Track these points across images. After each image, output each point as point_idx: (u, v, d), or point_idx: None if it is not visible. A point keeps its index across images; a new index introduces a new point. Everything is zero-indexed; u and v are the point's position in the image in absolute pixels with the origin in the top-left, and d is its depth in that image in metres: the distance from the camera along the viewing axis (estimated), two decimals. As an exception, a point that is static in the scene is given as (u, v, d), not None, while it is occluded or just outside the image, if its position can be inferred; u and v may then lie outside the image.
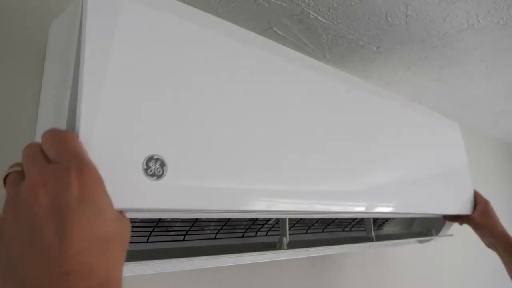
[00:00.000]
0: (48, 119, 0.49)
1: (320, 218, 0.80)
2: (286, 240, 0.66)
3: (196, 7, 0.61)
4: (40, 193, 0.27)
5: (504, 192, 2.07)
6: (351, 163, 0.63)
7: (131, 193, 0.33)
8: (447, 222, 1.02)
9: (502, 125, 1.78)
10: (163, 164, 0.39)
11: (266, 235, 0.72)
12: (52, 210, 0.27)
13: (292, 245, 0.68)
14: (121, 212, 0.32)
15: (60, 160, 0.30)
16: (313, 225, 0.81)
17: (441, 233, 1.04)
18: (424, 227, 1.08)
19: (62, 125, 0.41)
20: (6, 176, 0.31)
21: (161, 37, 0.43)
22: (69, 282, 0.25)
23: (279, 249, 0.66)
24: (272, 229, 0.72)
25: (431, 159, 0.86)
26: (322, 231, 0.86)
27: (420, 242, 1.09)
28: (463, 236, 1.52)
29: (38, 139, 0.53)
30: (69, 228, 0.26)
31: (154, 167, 0.38)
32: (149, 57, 0.42)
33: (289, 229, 0.69)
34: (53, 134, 0.32)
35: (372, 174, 0.67)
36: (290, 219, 0.71)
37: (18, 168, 0.31)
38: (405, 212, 0.77)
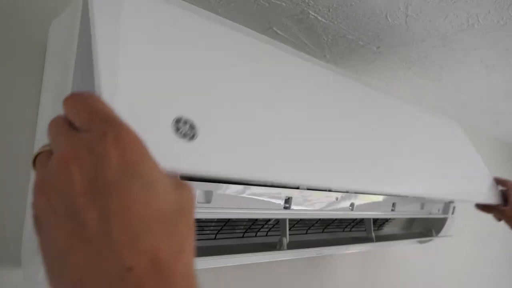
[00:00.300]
0: (48, 119, 0.49)
1: (320, 219, 0.80)
2: (286, 240, 0.66)
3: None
4: (73, 170, 0.21)
5: (504, 192, 2.06)
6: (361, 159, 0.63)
7: (164, 155, 0.28)
8: (447, 223, 1.02)
9: (502, 125, 1.78)
10: (192, 127, 0.38)
11: (266, 235, 0.72)
12: (90, 190, 0.21)
13: (292, 246, 0.68)
14: (176, 177, 0.26)
15: (90, 127, 0.24)
16: (313, 225, 0.81)
17: (441, 233, 1.04)
18: (424, 227, 1.08)
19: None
20: (36, 158, 0.26)
21: (172, 17, 0.43)
22: (135, 278, 0.20)
23: (279, 249, 0.66)
24: (272, 229, 0.72)
25: (442, 155, 0.87)
26: (322, 231, 0.85)
27: (420, 242, 1.09)
28: (463, 236, 1.51)
29: (38, 139, 0.53)
30: (115, 210, 0.21)
31: (184, 128, 0.37)
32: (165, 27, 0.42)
33: (289, 230, 0.69)
34: (75, 99, 0.26)
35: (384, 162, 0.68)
36: (290, 220, 0.71)
37: (48, 148, 0.26)
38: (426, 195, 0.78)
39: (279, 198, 0.60)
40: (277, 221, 0.70)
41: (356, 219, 0.88)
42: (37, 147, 0.52)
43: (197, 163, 0.38)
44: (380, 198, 0.81)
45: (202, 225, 0.63)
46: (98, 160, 0.22)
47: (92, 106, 0.25)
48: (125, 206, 0.21)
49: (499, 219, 1.02)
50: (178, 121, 0.37)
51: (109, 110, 0.26)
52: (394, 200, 0.84)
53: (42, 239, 0.23)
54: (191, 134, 0.37)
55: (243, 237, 0.69)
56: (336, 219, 0.84)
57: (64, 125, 0.25)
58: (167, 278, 0.21)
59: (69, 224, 0.21)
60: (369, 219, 0.88)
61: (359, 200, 0.75)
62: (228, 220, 0.64)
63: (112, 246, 0.20)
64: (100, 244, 0.20)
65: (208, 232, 0.64)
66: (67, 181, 0.21)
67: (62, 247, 0.21)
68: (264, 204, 0.56)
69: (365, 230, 0.90)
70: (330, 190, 0.70)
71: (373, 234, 0.87)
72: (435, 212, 0.98)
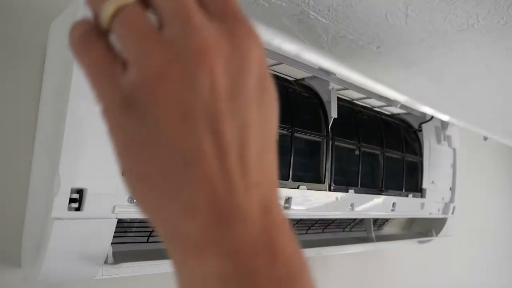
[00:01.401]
0: (48, 119, 0.49)
1: (320, 219, 0.80)
2: (286, 240, 0.66)
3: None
4: (216, 70, 0.17)
5: (503, 192, 2.07)
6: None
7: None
8: (447, 223, 1.02)
9: (502, 125, 1.78)
10: None
11: (266, 235, 0.72)
12: (232, 97, 0.18)
13: (292, 245, 0.68)
14: None
15: (227, 16, 0.19)
16: (313, 225, 0.81)
17: (441, 233, 1.04)
18: (424, 227, 1.08)
19: (61, 124, 0.41)
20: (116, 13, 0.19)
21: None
22: (255, 195, 0.19)
23: (279, 249, 0.65)
24: (272, 229, 0.72)
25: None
26: (322, 231, 0.85)
27: (420, 242, 1.09)
28: (463, 236, 1.51)
29: (38, 139, 0.53)
30: (251, 125, 0.18)
31: None
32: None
33: (289, 229, 0.69)
34: None
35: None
36: (290, 220, 0.71)
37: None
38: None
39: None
40: (277, 221, 0.70)
41: (356, 219, 0.88)
42: (37, 147, 0.52)
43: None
44: (380, 198, 0.81)
45: (202, 225, 0.63)
46: (243, 62, 0.18)
47: None
48: (258, 121, 0.18)
49: None
50: None
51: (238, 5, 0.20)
52: (394, 200, 0.84)
53: (150, 125, 0.17)
54: None
55: (243, 237, 0.69)
56: (336, 219, 0.84)
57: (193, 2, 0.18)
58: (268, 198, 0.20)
59: (202, 132, 0.17)
60: (369, 219, 0.88)
61: (359, 200, 0.75)
62: (228, 220, 0.64)
63: (243, 165, 0.18)
64: (234, 160, 0.18)
65: (208, 232, 0.64)
66: (208, 82, 0.17)
67: (190, 149, 0.17)
68: (264, 204, 0.56)
69: (365, 230, 0.90)
70: (330, 190, 0.70)
71: (373, 234, 0.87)
72: (435, 212, 0.98)
